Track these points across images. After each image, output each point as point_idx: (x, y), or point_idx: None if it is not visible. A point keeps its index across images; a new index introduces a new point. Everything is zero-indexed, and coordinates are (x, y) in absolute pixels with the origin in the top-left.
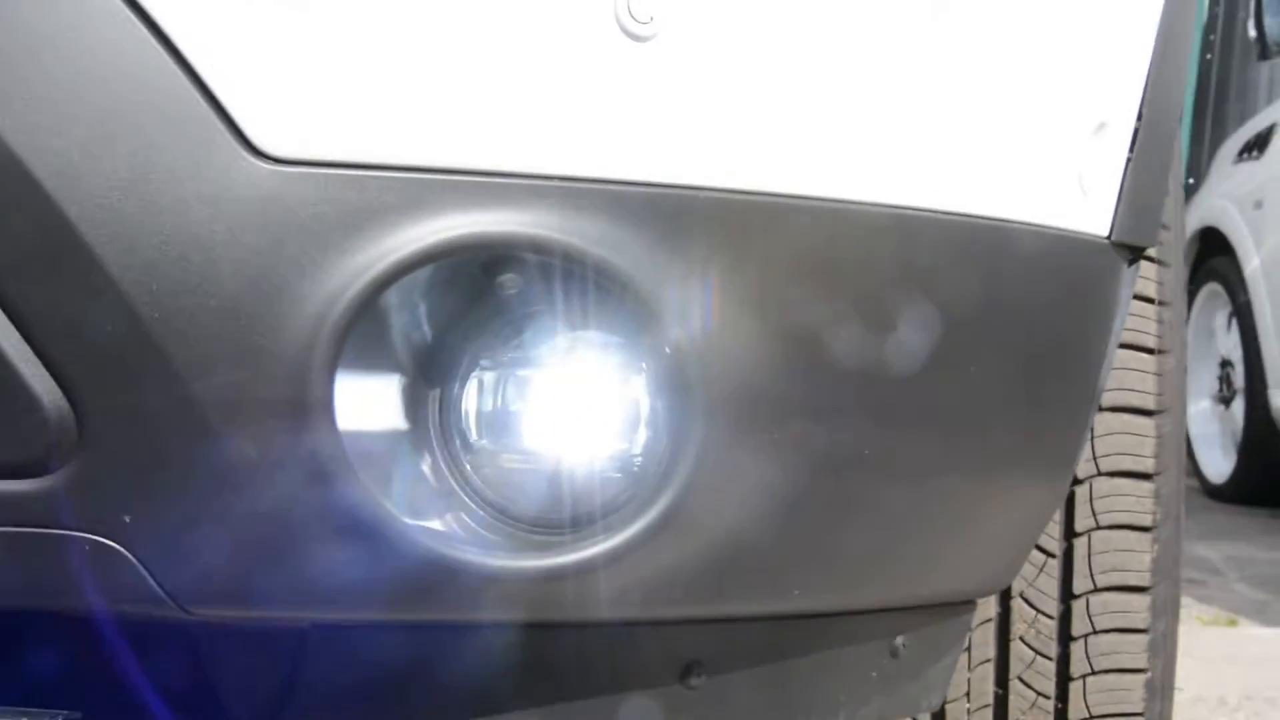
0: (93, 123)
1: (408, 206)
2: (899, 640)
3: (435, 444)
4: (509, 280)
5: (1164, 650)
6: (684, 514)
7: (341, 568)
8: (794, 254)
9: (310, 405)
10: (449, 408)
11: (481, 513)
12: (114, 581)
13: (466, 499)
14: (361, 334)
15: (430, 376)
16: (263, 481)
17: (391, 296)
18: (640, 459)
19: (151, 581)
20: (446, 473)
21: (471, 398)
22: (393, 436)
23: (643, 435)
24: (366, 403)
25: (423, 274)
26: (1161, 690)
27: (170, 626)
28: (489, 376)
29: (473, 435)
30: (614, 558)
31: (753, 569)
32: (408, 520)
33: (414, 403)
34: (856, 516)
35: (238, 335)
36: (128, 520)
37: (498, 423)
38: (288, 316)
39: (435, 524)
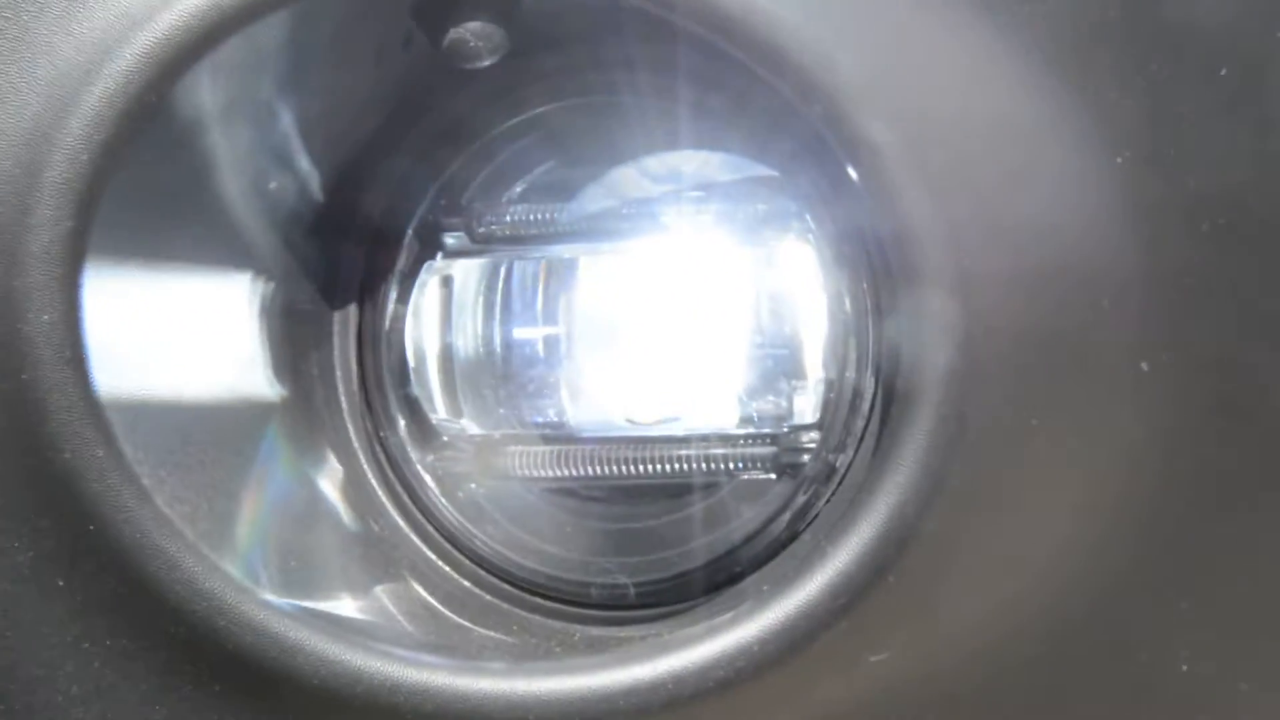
0: None
1: None
2: None
3: (349, 426)
4: (472, 40)
5: None
6: (915, 555)
7: None
8: None
9: (29, 335)
10: (378, 345)
11: (457, 576)
12: None
13: (422, 546)
14: (139, 181)
15: (334, 279)
16: None
17: (204, 90)
18: (810, 439)
19: None
20: (376, 489)
21: (427, 321)
22: (249, 410)
23: (811, 389)
24: (184, 338)
25: (274, 36)
26: None
27: None
28: (466, 270)
29: (436, 403)
30: (752, 663)
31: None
32: (277, 604)
33: (294, 338)
34: None
35: None
36: None
37: (486, 373)
38: None
39: (349, 609)
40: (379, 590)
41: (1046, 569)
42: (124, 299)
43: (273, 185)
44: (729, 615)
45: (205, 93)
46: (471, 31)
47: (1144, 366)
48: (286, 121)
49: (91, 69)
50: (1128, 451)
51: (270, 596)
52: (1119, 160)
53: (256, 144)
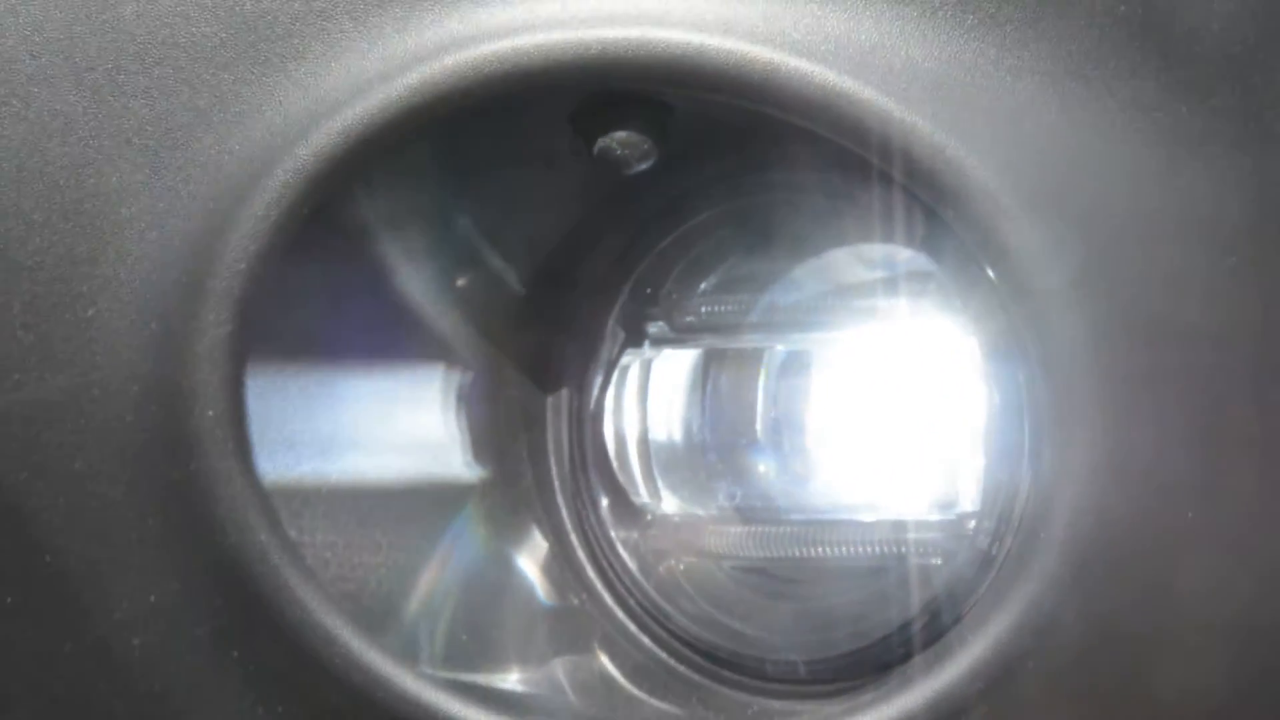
0: None
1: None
2: None
3: (561, 505)
4: (619, 148)
5: None
6: (1057, 642)
7: None
8: None
9: (195, 429)
10: (584, 429)
11: (654, 647)
12: None
13: (625, 619)
14: (311, 283)
15: (543, 366)
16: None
17: (360, 201)
18: (971, 526)
19: None
20: (585, 564)
21: (629, 406)
22: (441, 493)
23: (973, 476)
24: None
25: (427, 151)
26: None
27: None
28: (668, 358)
29: (638, 486)
30: None
31: None
32: (433, 677)
33: (500, 423)
34: None
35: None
36: None
37: (685, 458)
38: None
39: (513, 682)
40: (556, 663)
41: (1210, 656)
42: (299, 394)
43: (460, 283)
44: (868, 696)
45: (363, 204)
46: (618, 141)
47: None
48: (463, 224)
49: (249, 185)
50: None
51: (429, 669)
52: None
53: (433, 246)
